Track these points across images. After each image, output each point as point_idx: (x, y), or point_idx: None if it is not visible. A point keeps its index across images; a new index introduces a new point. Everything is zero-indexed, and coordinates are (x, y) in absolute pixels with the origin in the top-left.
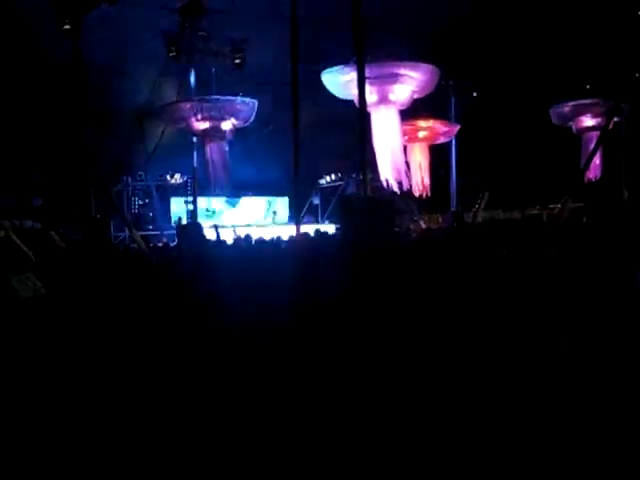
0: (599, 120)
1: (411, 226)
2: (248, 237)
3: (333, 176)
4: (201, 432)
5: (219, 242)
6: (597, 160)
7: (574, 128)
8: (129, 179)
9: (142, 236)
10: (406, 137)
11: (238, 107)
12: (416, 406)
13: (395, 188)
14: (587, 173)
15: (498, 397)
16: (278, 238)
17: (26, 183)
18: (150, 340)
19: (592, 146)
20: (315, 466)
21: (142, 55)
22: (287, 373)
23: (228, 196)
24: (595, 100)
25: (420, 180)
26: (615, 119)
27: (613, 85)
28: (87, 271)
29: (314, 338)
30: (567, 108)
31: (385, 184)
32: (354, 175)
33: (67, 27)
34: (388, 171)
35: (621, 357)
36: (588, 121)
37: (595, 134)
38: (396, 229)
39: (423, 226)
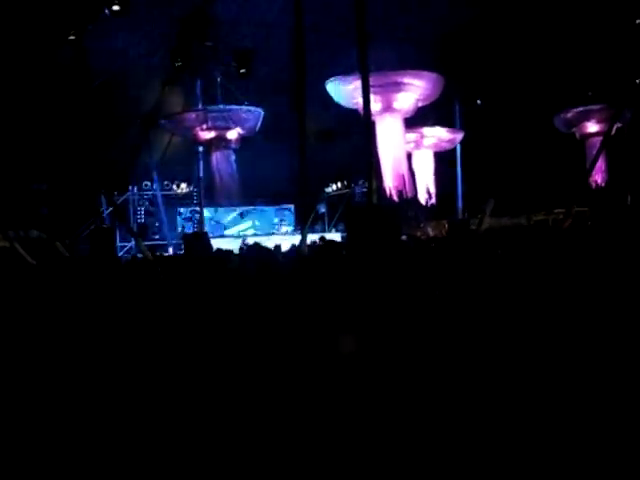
0: (602, 126)
1: (418, 233)
2: (255, 246)
3: (339, 184)
4: (202, 431)
5: (227, 252)
6: (602, 165)
7: (578, 134)
8: (135, 189)
9: (148, 246)
10: (411, 144)
11: (244, 116)
12: (414, 407)
13: (395, 196)
14: (593, 177)
15: (496, 398)
16: (277, 247)
17: (33, 193)
18: (153, 346)
19: (595, 151)
20: (314, 464)
21: (148, 65)
22: (287, 372)
23: (236, 205)
24: (598, 106)
25: (425, 187)
26: (618, 124)
27: (615, 91)
28: (92, 281)
29: (313, 340)
30: (570, 114)
31: (387, 192)
32: (360, 183)
33: (72, 37)
34: (390, 179)
35: (622, 359)
36: (591, 127)
37: (598, 139)
38: (402, 237)
39: (430, 233)
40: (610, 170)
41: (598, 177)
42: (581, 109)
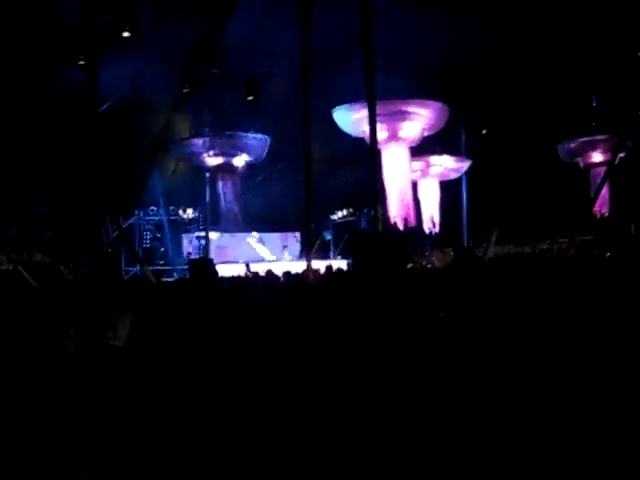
0: (606, 156)
1: (424, 262)
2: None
3: (345, 211)
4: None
5: (234, 278)
6: (606, 194)
7: (582, 164)
8: (141, 213)
9: (153, 271)
10: (418, 173)
11: (250, 143)
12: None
13: (400, 225)
14: (596, 207)
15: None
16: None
17: (36, 215)
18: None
19: (599, 181)
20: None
21: (156, 90)
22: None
23: (240, 231)
24: (602, 136)
25: (430, 216)
26: (621, 155)
27: (618, 122)
28: (95, 304)
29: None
30: (575, 144)
31: (392, 220)
32: (366, 211)
33: (82, 62)
34: (396, 207)
35: (623, 386)
36: (596, 157)
37: (603, 169)
38: (408, 265)
39: (436, 262)
40: (613, 200)
41: (602, 207)
42: (585, 139)
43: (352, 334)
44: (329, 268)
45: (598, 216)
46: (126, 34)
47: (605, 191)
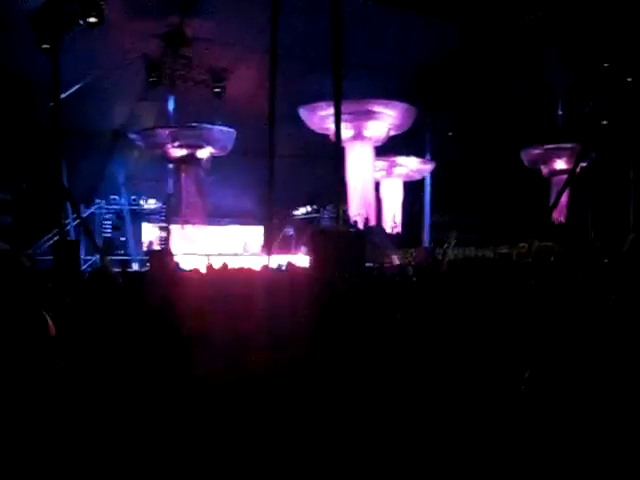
0: (570, 164)
1: (384, 260)
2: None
3: (308, 208)
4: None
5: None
6: (565, 203)
7: (544, 171)
8: (102, 202)
9: (113, 261)
10: (382, 172)
11: (216, 136)
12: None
13: (360, 223)
14: (555, 215)
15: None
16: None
17: None
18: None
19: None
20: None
21: (122, 78)
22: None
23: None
24: (565, 145)
25: (392, 216)
26: (583, 164)
27: (581, 131)
28: (54, 292)
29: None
30: (538, 151)
31: (352, 218)
32: (329, 208)
33: (46, 46)
34: (357, 205)
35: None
36: (558, 164)
37: (564, 177)
38: (369, 263)
39: (396, 261)
40: (572, 207)
41: (559, 214)
42: (550, 146)
43: (312, 330)
44: (290, 264)
45: (556, 223)
46: (92, 19)
47: (564, 199)
